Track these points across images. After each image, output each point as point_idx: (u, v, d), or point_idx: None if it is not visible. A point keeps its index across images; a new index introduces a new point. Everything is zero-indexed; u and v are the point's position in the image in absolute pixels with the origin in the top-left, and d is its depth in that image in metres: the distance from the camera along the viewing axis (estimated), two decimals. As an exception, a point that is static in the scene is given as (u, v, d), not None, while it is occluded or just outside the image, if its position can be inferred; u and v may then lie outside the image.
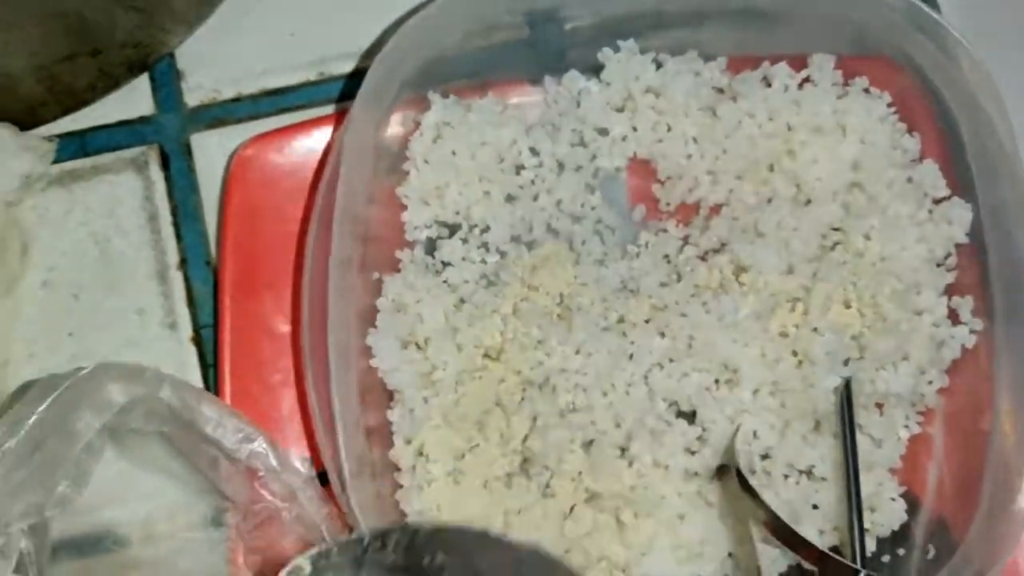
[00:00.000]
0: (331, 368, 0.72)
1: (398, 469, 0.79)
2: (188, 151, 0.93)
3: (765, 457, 0.75)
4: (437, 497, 0.78)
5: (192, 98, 0.95)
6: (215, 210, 0.91)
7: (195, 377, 0.88)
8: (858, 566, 0.67)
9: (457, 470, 0.76)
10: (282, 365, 0.85)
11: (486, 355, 0.81)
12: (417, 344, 0.82)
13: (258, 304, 0.86)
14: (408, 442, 0.79)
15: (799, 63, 0.86)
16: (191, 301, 0.90)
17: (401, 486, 0.80)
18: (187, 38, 0.94)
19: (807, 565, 0.67)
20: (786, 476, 0.75)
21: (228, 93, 0.95)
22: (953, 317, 0.78)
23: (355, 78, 0.93)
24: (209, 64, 0.95)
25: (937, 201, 0.83)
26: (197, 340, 0.90)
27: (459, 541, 0.60)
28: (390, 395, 0.81)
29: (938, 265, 0.81)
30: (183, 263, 0.91)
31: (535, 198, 0.85)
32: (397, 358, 0.80)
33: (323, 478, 0.79)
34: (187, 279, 0.90)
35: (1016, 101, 0.77)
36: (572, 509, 0.77)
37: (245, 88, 0.95)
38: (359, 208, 0.78)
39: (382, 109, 0.81)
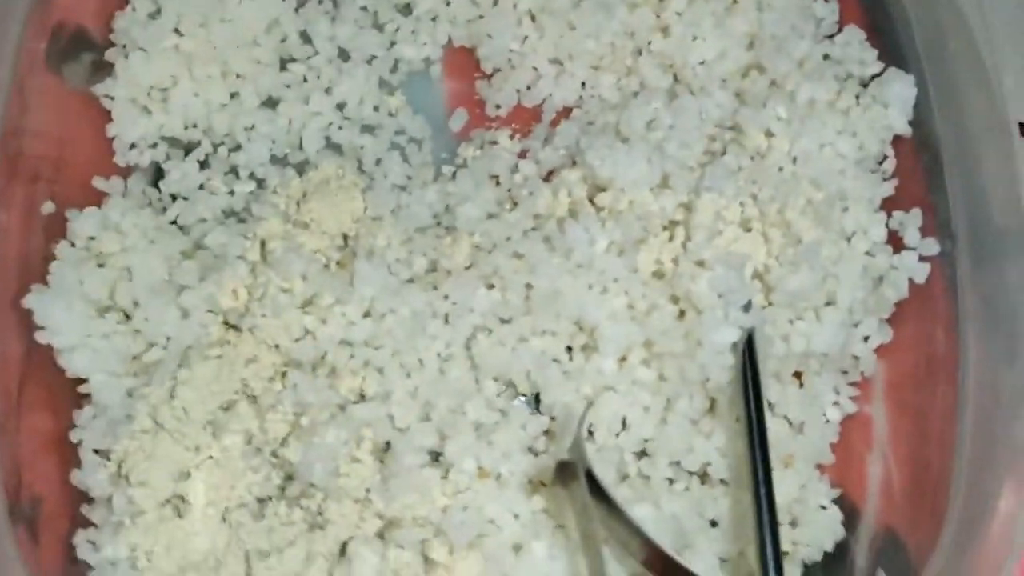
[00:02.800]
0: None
1: (88, 500, 0.57)
2: None
3: (642, 455, 0.60)
4: (145, 538, 0.56)
5: None
6: None
7: None
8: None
9: (178, 496, 0.57)
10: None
11: (226, 323, 0.60)
12: (125, 313, 0.60)
13: None
14: (104, 458, 0.57)
15: (665, -101, 0.66)
16: None
17: (92, 524, 0.57)
18: None
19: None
20: (671, 480, 0.60)
21: None
22: (895, 242, 0.61)
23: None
24: None
25: (865, 83, 0.64)
26: None
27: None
28: (74, 388, 0.58)
29: (872, 172, 0.63)
30: None
31: (306, 101, 0.66)
32: (81, 329, 0.58)
33: None
34: None
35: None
36: (344, 547, 0.56)
37: None
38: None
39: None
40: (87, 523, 0.56)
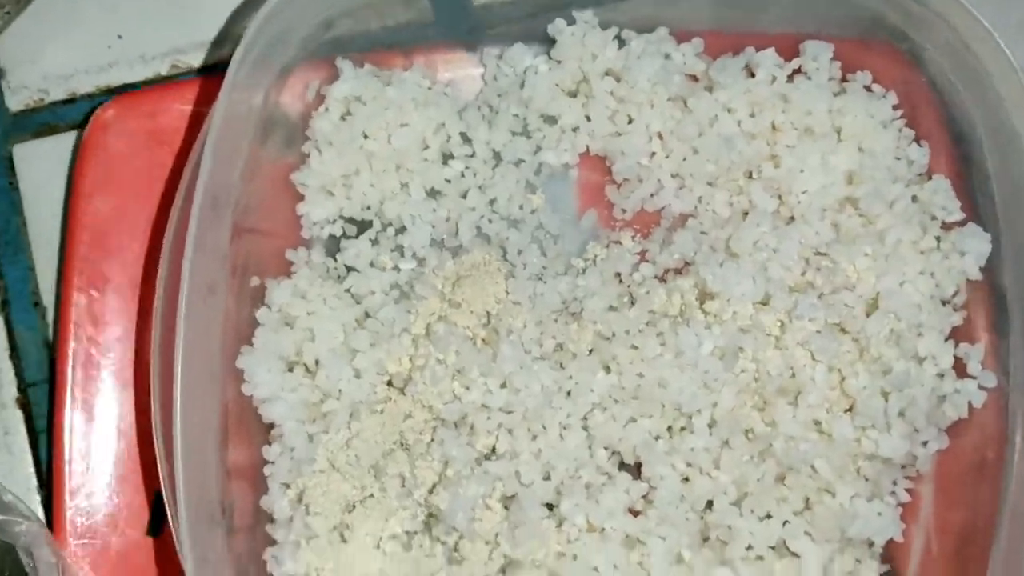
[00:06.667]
0: (176, 393, 0.58)
1: (272, 520, 0.68)
2: (10, 165, 0.79)
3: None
4: (317, 558, 0.67)
5: (14, 101, 0.80)
6: (46, 238, 0.77)
7: (21, 447, 0.75)
8: None
9: (344, 525, 0.67)
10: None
11: (390, 384, 0.71)
12: (306, 366, 0.70)
13: (110, 314, 0.74)
14: (286, 488, 0.68)
15: (790, 49, 0.74)
16: (15, 352, 0.76)
17: (275, 542, 0.68)
18: (4, 27, 0.80)
19: None
20: (750, 546, 0.67)
21: (58, 93, 0.81)
22: (959, 368, 0.70)
23: (216, 70, 0.79)
24: (35, 59, 0.80)
25: (947, 226, 0.72)
26: (23, 402, 0.75)
27: None
28: (268, 430, 0.69)
29: (944, 303, 0.71)
30: (4, 305, 0.77)
31: (464, 195, 0.75)
32: (277, 383, 0.68)
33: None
34: (9, 325, 0.76)
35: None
36: (480, 583, 0.64)
37: (81, 86, 0.80)
38: (232, 192, 0.66)
39: (271, 72, 0.68)
40: (272, 541, 0.67)
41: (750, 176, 0.74)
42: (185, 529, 0.60)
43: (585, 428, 0.69)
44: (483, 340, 0.71)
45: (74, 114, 0.80)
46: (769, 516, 0.68)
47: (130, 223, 0.75)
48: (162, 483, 0.63)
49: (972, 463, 0.70)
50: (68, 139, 0.79)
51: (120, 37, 0.80)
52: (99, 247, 0.74)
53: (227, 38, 0.79)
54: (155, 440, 0.65)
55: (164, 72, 0.80)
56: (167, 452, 0.62)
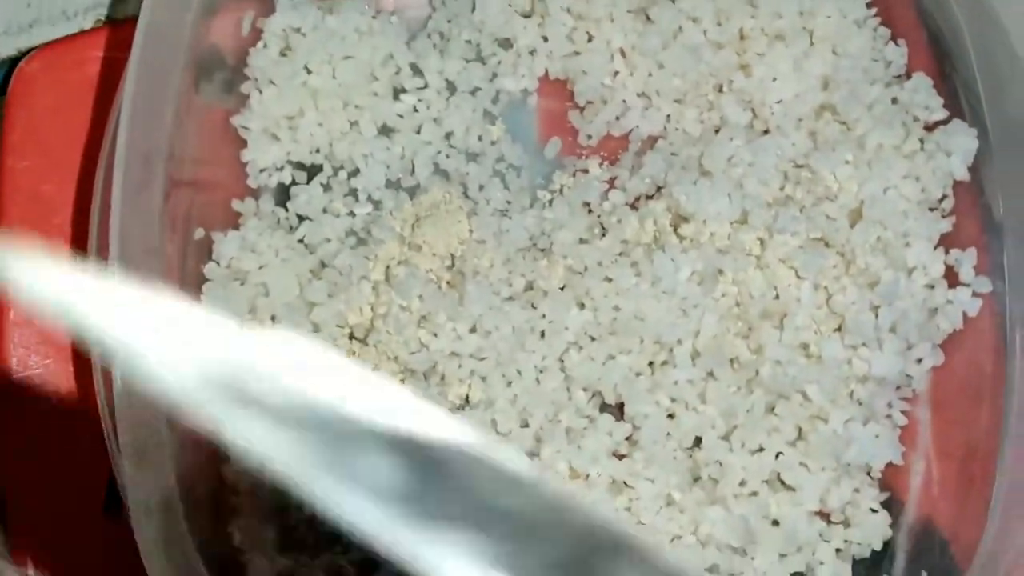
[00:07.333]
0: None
1: (236, 492, 0.65)
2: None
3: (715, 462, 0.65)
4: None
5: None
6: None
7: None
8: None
9: None
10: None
11: (352, 336, 0.67)
12: (261, 324, 0.65)
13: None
14: None
15: (754, -50, 0.70)
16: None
17: (242, 512, 0.62)
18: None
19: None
20: (743, 482, 0.64)
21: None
22: (951, 277, 0.66)
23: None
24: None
25: (930, 127, 0.68)
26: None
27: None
28: None
29: (931, 209, 0.67)
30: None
31: (418, 130, 0.71)
32: None
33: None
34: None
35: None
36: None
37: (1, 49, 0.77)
38: (163, 144, 0.60)
39: (195, 6, 0.61)
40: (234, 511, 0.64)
41: (720, 90, 0.70)
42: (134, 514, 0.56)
43: (562, 370, 0.66)
44: (448, 283, 0.68)
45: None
46: (761, 449, 0.64)
47: (66, 187, 0.70)
48: (112, 464, 0.59)
49: (970, 379, 0.67)
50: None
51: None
52: (33, 216, 0.70)
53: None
54: (101, 415, 0.60)
55: (88, 28, 0.76)
56: (113, 431, 0.58)
